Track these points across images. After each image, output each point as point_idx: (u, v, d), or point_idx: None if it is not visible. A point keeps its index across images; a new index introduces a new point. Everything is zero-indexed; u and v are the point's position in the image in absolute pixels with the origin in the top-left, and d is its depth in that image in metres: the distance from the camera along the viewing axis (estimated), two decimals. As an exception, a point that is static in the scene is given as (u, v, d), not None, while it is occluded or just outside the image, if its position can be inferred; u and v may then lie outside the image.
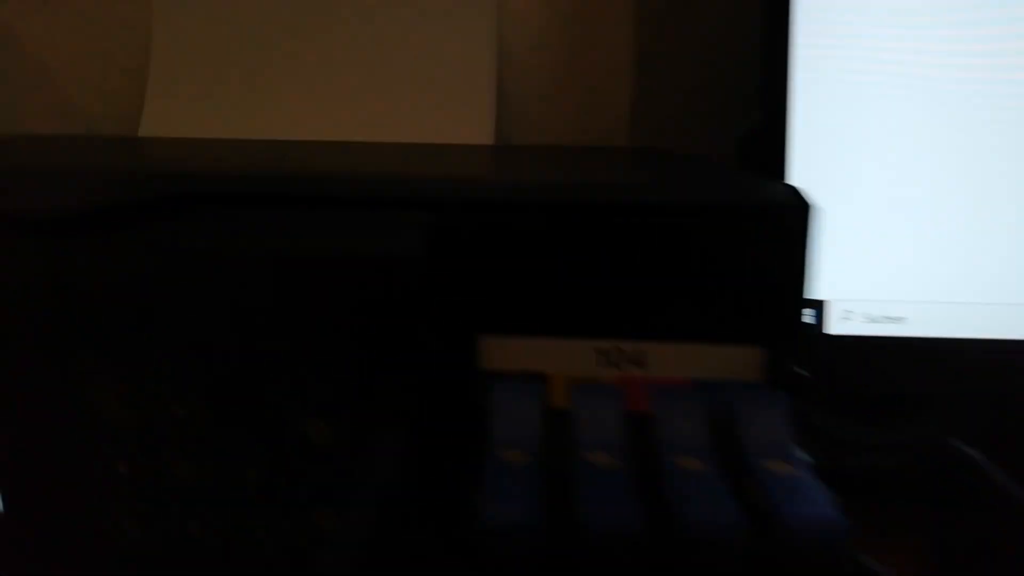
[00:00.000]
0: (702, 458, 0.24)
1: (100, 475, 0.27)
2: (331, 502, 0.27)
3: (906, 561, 0.38)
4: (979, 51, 0.43)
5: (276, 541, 0.28)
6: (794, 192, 0.27)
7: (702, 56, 0.61)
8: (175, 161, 0.30)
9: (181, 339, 0.26)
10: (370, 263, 0.25)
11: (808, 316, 0.27)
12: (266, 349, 0.26)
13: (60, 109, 0.66)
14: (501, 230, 0.27)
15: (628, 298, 0.28)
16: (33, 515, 0.28)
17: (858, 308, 0.44)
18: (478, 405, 0.27)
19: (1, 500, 0.28)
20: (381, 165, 0.32)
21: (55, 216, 0.26)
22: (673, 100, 0.62)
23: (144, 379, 0.26)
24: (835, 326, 0.43)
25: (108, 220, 0.26)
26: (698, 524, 0.21)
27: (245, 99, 0.62)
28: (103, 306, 0.26)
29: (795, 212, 0.26)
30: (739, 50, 0.57)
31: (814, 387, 0.28)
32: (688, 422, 0.25)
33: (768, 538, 0.21)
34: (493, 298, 0.28)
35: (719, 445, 0.25)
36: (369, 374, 0.26)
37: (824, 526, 0.21)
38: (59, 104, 0.65)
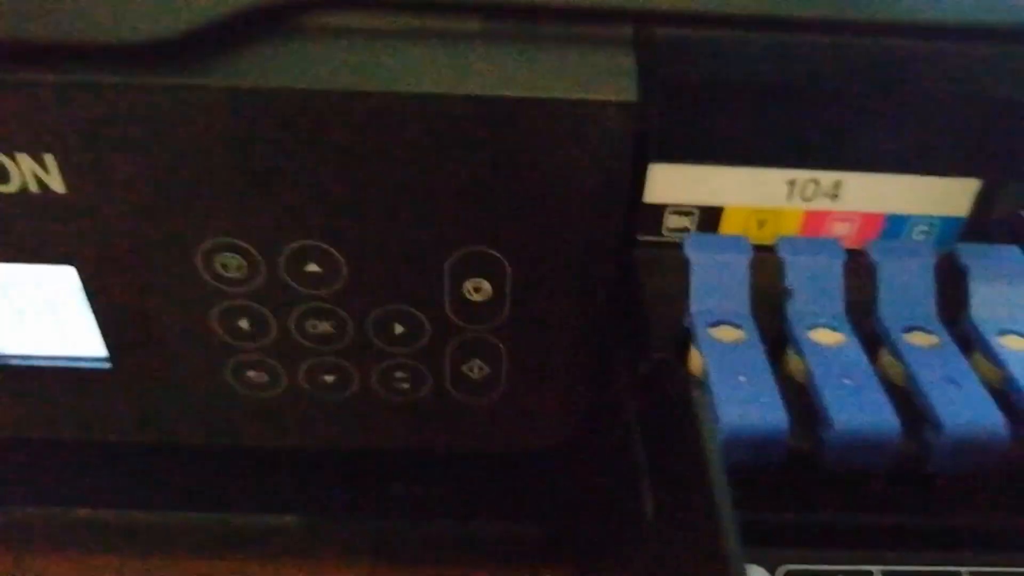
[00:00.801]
0: (936, 333, 0.21)
1: (219, 331, 0.24)
2: (480, 357, 0.24)
3: None
4: None
5: (420, 391, 0.26)
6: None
7: None
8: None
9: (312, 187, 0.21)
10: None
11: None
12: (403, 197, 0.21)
13: None
14: (707, 46, 0.21)
15: (820, 125, 0.23)
16: (144, 370, 0.25)
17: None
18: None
19: (109, 356, 0.24)
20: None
21: (148, 44, 0.19)
22: None
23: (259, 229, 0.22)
24: None
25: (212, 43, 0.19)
26: (962, 430, 0.19)
27: None
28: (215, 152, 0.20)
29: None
30: None
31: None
32: (916, 284, 0.22)
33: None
34: (669, 124, 0.23)
35: (951, 314, 0.22)
36: (527, 229, 0.22)
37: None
38: None
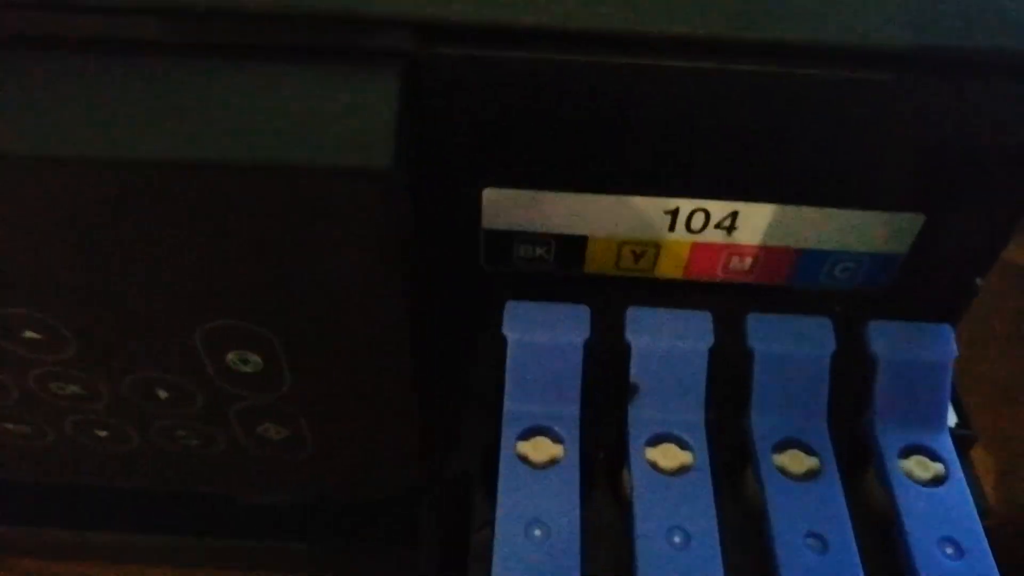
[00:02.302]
0: (817, 452, 0.16)
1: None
2: (274, 421, 0.20)
3: None
4: None
5: (215, 447, 0.21)
6: None
7: None
8: None
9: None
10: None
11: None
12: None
13: None
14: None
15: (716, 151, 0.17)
16: None
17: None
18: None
19: None
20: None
21: None
22: None
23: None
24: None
25: None
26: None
27: None
28: None
29: None
30: None
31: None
32: (804, 377, 0.17)
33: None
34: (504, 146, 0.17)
35: (840, 421, 0.17)
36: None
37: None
38: None
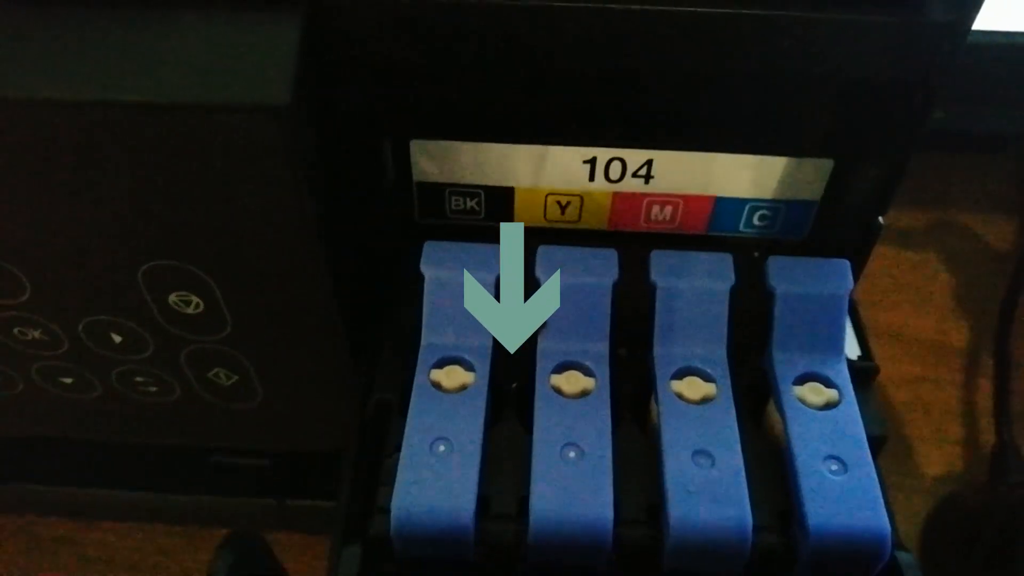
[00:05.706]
0: (716, 379, 0.17)
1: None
2: (222, 366, 0.21)
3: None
4: None
5: (172, 395, 0.23)
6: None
7: None
8: None
9: None
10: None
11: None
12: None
13: None
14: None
15: (633, 96, 0.18)
16: None
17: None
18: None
19: None
20: None
21: None
22: None
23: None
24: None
25: None
26: (694, 530, 0.15)
27: None
28: None
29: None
30: None
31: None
32: (704, 311, 0.18)
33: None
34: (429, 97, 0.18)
35: (741, 353, 0.18)
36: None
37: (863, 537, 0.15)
38: None
